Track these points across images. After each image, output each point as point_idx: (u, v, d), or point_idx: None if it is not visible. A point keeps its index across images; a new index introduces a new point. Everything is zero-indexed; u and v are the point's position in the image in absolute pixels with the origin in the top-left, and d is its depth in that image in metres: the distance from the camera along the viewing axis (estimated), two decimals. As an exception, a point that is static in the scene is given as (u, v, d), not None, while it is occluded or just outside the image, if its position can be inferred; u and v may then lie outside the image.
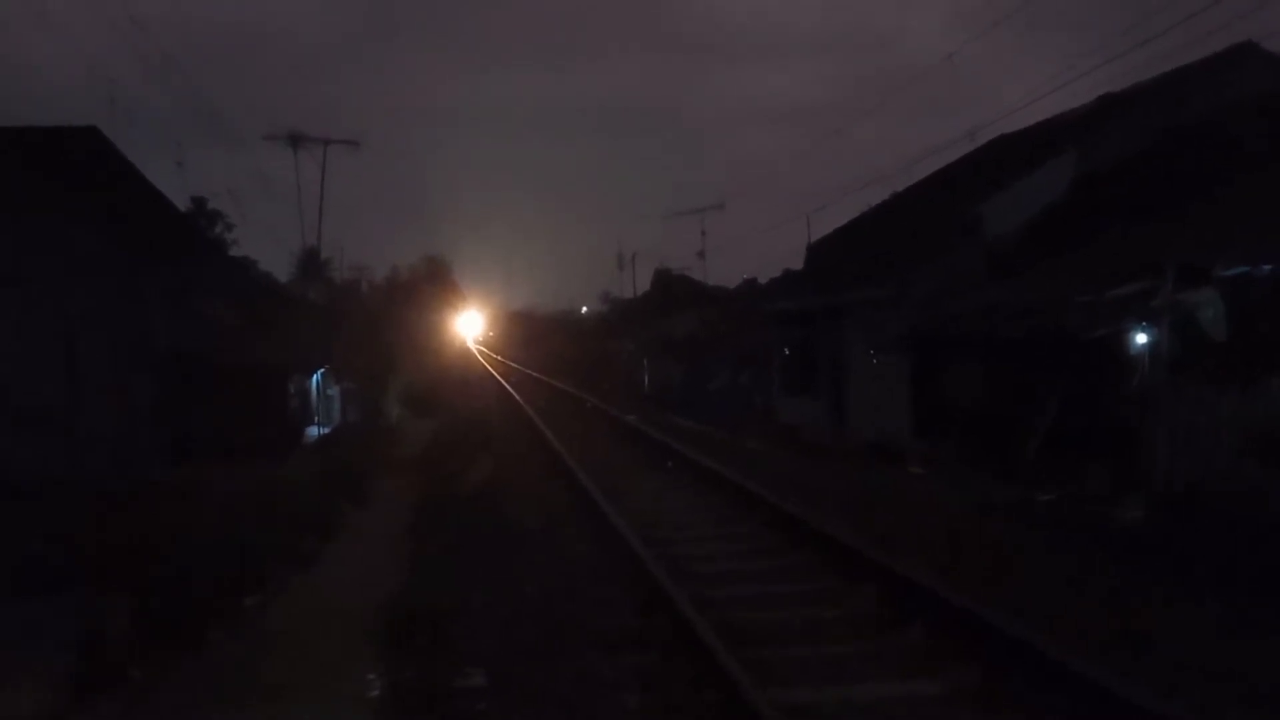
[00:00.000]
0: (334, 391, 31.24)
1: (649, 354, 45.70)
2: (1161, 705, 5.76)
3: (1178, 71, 20.06)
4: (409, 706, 6.98)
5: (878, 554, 9.72)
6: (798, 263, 32.73)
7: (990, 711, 6.44)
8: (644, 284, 67.51)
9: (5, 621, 8.48)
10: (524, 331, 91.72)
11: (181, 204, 26.96)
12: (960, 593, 8.13)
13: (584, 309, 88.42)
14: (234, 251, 29.76)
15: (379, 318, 40.15)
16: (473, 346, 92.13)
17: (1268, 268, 11.29)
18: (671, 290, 56.86)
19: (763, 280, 44.76)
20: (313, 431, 26.51)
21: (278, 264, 39.05)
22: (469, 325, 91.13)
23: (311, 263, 40.25)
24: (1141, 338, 13.11)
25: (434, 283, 61.08)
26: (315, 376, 28.59)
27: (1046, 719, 6.25)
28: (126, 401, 17.00)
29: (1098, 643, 7.20)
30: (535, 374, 60.94)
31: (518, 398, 39.10)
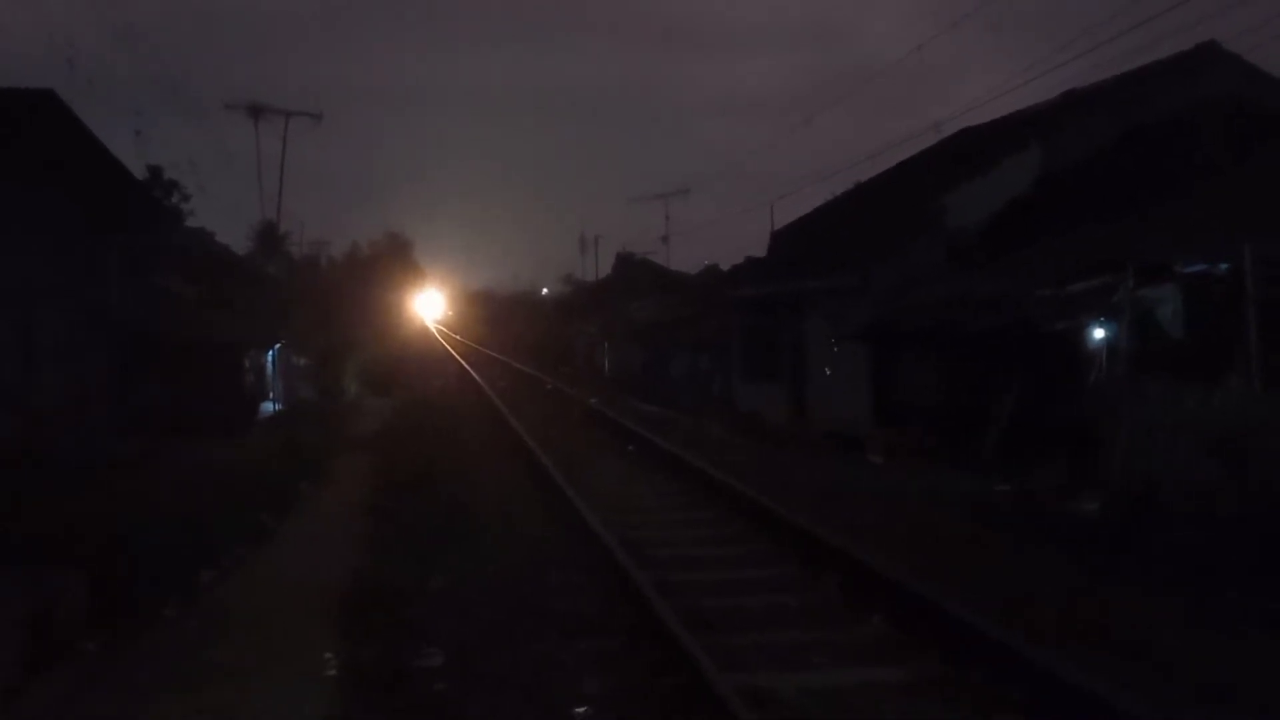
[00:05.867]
0: (289, 367, 30.90)
1: (610, 338, 45.58)
2: (1114, 693, 5.84)
3: (1141, 70, 20.27)
4: (366, 686, 6.92)
5: (840, 542, 9.78)
6: (761, 250, 32.72)
7: (947, 698, 6.52)
8: (606, 267, 67.35)
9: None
10: (484, 312, 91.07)
11: (138, 174, 26.41)
12: (919, 582, 8.21)
13: (545, 290, 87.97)
14: (191, 222, 29.12)
15: (338, 294, 39.68)
16: (432, 326, 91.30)
17: (1225, 266, 11.45)
18: (633, 274, 56.67)
19: (725, 267, 44.71)
20: (267, 407, 26.22)
21: (236, 237, 38.35)
22: (429, 305, 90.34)
23: (270, 236, 39.64)
24: (1100, 333, 13.28)
25: (395, 260, 60.39)
26: (271, 352, 28.28)
27: (1000, 704, 6.33)
28: (82, 375, 16.68)
29: (1049, 632, 7.29)
30: (495, 355, 60.66)
31: (478, 378, 38.91)
